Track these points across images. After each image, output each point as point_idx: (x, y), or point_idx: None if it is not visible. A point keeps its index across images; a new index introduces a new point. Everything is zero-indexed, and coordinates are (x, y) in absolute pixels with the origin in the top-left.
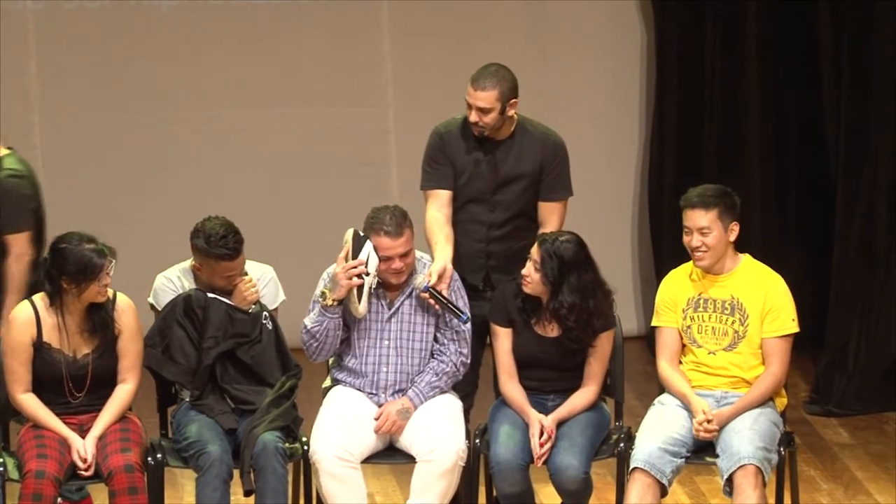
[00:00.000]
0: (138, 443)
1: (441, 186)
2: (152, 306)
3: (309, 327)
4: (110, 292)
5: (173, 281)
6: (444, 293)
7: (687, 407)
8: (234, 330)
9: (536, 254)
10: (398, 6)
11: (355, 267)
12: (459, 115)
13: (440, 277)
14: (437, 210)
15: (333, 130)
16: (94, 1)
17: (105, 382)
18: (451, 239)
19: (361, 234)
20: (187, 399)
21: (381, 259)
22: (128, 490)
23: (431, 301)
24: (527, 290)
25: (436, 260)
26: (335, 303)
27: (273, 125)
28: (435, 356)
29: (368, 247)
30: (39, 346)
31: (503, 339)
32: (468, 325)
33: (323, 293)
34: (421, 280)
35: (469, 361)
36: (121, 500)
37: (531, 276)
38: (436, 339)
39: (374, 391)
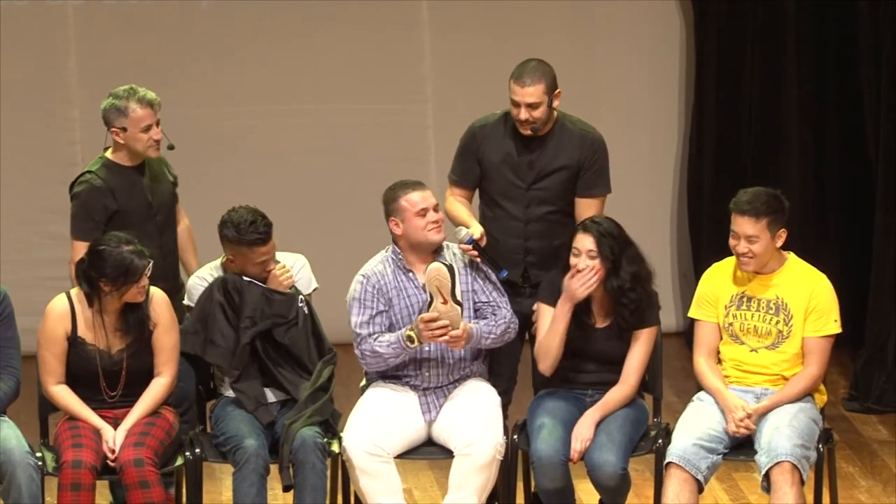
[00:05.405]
0: (159, 437)
1: (461, 185)
2: (188, 307)
3: (380, 352)
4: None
5: (206, 279)
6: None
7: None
8: (272, 311)
9: (588, 242)
10: (438, 3)
11: (443, 327)
12: (499, 111)
13: (481, 235)
14: (458, 197)
15: (373, 126)
16: None
17: (140, 379)
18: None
19: (445, 263)
20: (226, 393)
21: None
22: (139, 484)
23: (473, 252)
24: None
25: (474, 225)
26: (420, 343)
27: (312, 121)
28: (487, 316)
29: (457, 276)
30: (74, 340)
31: (549, 318)
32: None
33: (410, 337)
34: (465, 234)
35: (516, 323)
36: (133, 493)
37: (592, 265)
38: (480, 306)
39: (416, 370)
